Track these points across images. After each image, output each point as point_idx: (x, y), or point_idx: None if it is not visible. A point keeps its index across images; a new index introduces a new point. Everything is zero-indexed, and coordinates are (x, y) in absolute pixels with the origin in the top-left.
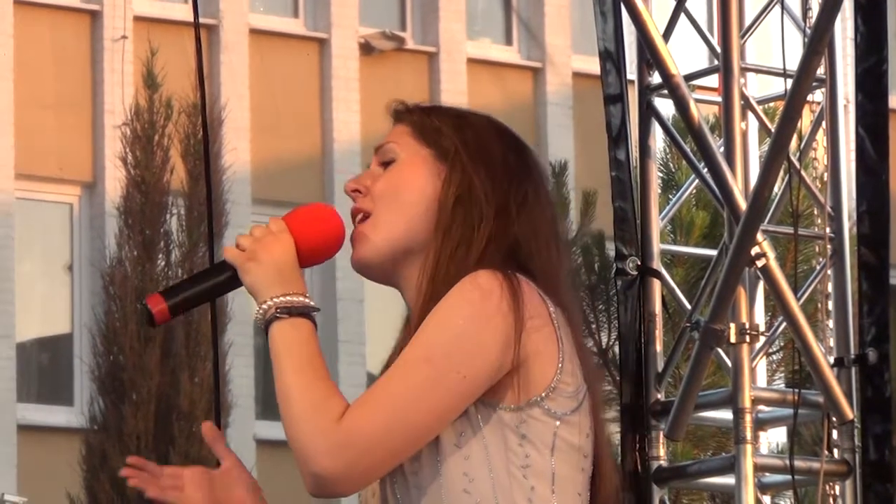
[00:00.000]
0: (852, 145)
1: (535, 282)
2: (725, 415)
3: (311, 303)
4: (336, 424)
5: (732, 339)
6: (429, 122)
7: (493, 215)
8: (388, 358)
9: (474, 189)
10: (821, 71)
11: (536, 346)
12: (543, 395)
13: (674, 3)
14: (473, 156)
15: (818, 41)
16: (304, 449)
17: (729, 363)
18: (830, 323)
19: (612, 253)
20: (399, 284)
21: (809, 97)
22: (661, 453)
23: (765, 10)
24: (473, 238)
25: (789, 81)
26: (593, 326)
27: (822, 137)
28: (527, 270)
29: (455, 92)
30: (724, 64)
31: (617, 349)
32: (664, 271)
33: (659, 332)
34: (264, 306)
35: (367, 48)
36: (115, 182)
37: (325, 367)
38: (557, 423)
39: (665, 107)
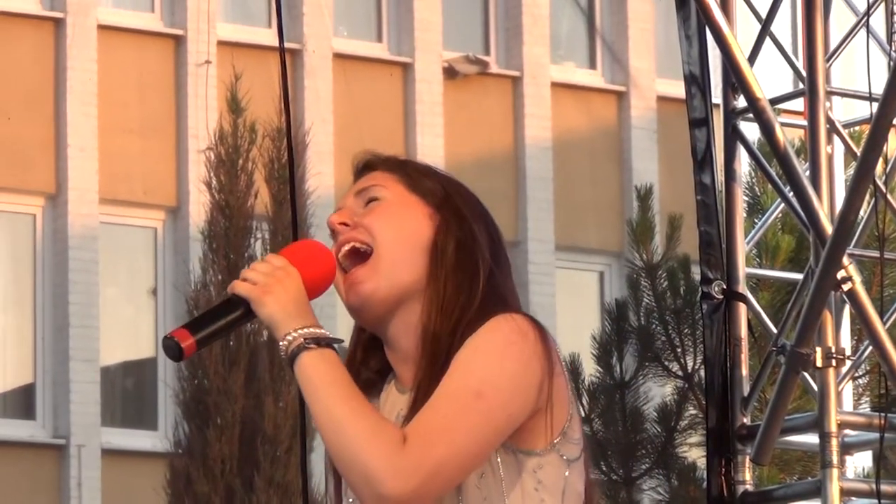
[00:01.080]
0: None
1: None
2: (811, 439)
3: (330, 334)
4: (402, 448)
5: (818, 364)
6: (416, 175)
7: (484, 260)
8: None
9: (471, 231)
10: None
11: (556, 392)
12: (557, 440)
13: (759, 27)
14: (460, 200)
15: None
16: (370, 472)
17: (815, 387)
18: None
19: (697, 277)
20: (385, 327)
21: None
22: (747, 477)
23: (850, 34)
24: (477, 277)
25: (875, 105)
26: (678, 350)
27: None
28: (509, 306)
29: (539, 116)
30: (809, 87)
31: (702, 373)
32: (750, 295)
33: (745, 357)
34: (289, 337)
35: (450, 72)
36: (199, 206)
37: (362, 394)
38: (567, 468)
39: (750, 130)
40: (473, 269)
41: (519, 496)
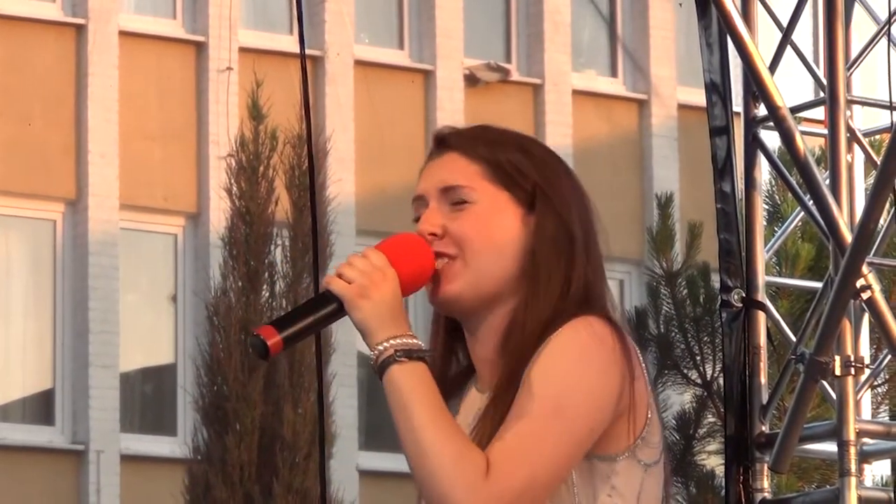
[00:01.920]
0: None
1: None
2: (830, 447)
3: (422, 345)
4: (485, 480)
5: (837, 372)
6: (503, 161)
7: (576, 258)
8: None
9: (566, 232)
10: None
11: (636, 397)
12: (635, 445)
13: (780, 35)
14: (556, 198)
15: None
16: (453, 499)
17: (834, 395)
18: None
19: (717, 285)
20: (474, 323)
21: None
22: (766, 485)
23: (871, 42)
24: (570, 282)
25: (895, 114)
26: (698, 358)
27: None
28: (595, 309)
29: (560, 124)
30: (830, 96)
31: (721, 381)
32: (769, 303)
33: (764, 365)
34: (380, 347)
35: (472, 80)
36: (219, 213)
37: (451, 414)
38: (644, 472)
39: (771, 139)
40: (569, 273)
41: (591, 503)
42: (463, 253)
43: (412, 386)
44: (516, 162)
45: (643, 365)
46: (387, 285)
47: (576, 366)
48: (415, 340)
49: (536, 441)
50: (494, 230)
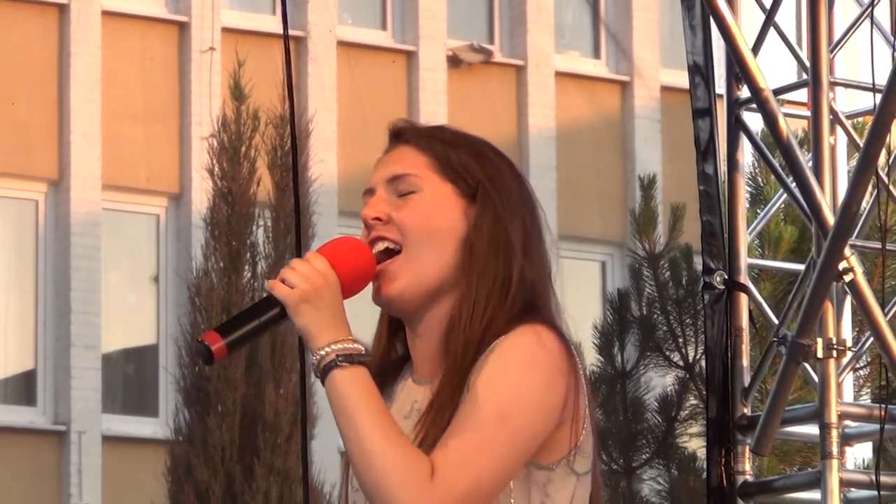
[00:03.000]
0: None
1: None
2: (812, 430)
3: (363, 348)
4: (429, 484)
5: (819, 354)
6: (449, 155)
7: (521, 256)
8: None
9: (506, 232)
10: None
11: (575, 406)
12: (571, 454)
13: (763, 17)
14: (499, 195)
15: None
16: (398, 503)
17: (816, 378)
18: None
19: (699, 267)
20: (416, 320)
21: None
22: (747, 468)
23: (854, 25)
24: (509, 280)
25: (878, 96)
26: (680, 340)
27: None
28: (539, 309)
29: (543, 105)
30: (812, 78)
31: (703, 363)
32: (751, 286)
33: (746, 347)
34: (321, 352)
35: (454, 61)
36: (201, 193)
37: (392, 417)
38: (576, 481)
39: (754, 121)
40: (506, 273)
41: None
42: (405, 241)
43: (354, 391)
44: (465, 161)
45: (583, 375)
46: (328, 290)
47: (522, 374)
48: (356, 345)
49: (481, 449)
50: (436, 220)
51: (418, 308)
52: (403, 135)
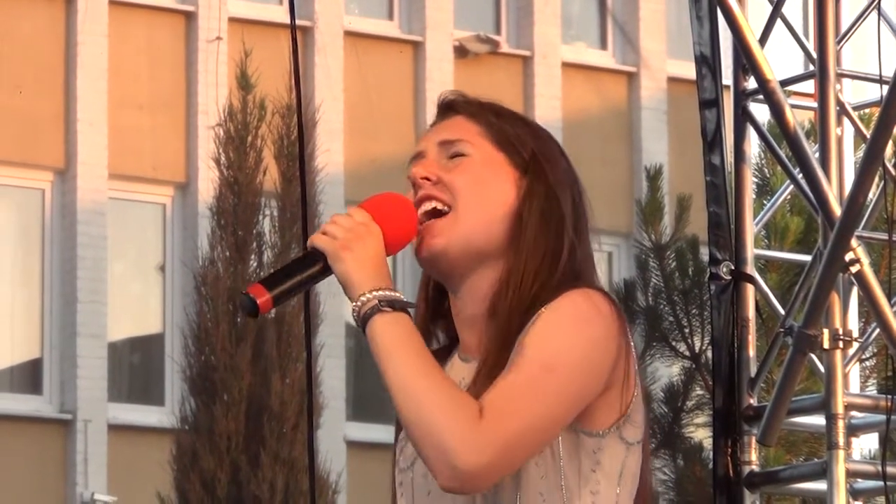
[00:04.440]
0: None
1: None
2: (818, 420)
3: (406, 299)
4: (479, 422)
5: (826, 345)
6: (503, 126)
7: (567, 228)
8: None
9: (557, 204)
10: None
11: (624, 373)
12: (621, 421)
13: (770, 8)
14: (551, 168)
15: None
16: (445, 445)
17: (822, 369)
18: None
19: (705, 257)
20: (458, 283)
21: None
22: (753, 458)
23: (861, 16)
24: (559, 254)
25: (885, 87)
26: (686, 331)
27: None
28: (584, 281)
29: (549, 96)
30: (819, 69)
31: (710, 354)
32: (758, 276)
33: (752, 337)
34: (363, 298)
35: (461, 51)
36: (208, 183)
37: (437, 362)
38: (626, 450)
39: (760, 112)
40: (557, 245)
41: (576, 476)
42: (455, 203)
43: (397, 335)
44: (517, 131)
45: (632, 344)
46: (370, 239)
47: (572, 330)
48: (398, 294)
49: (529, 393)
50: (488, 186)
51: (462, 269)
52: (454, 106)
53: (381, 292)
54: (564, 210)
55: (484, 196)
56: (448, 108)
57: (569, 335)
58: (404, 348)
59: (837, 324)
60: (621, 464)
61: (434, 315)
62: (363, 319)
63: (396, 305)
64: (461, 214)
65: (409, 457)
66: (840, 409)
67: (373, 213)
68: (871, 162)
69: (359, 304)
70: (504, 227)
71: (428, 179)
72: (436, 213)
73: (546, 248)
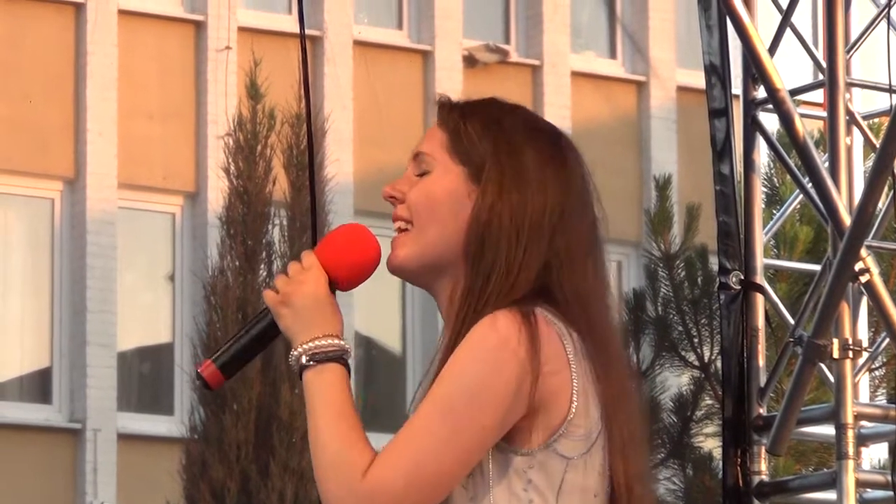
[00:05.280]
0: None
1: (560, 307)
2: (828, 430)
3: (341, 342)
4: (361, 479)
5: (835, 355)
6: (462, 133)
7: (526, 241)
8: (430, 368)
9: (504, 215)
10: None
11: (550, 391)
12: (553, 439)
13: (779, 18)
14: (505, 176)
15: None
16: (331, 499)
17: (832, 378)
18: None
19: (715, 267)
20: (431, 291)
21: None
22: (763, 468)
23: (871, 25)
24: (509, 267)
25: (894, 97)
26: (695, 341)
27: None
28: (552, 293)
29: (559, 105)
30: (829, 79)
31: (719, 363)
32: (767, 286)
33: (762, 347)
34: (295, 353)
35: (470, 61)
36: (217, 192)
37: (354, 414)
38: (566, 466)
39: (770, 121)
40: (507, 259)
41: (506, 495)
42: (413, 218)
43: (316, 390)
44: (474, 137)
45: (570, 353)
46: (307, 287)
47: (470, 365)
48: (329, 341)
49: (421, 442)
50: (441, 203)
51: (424, 280)
52: (442, 109)
53: (310, 344)
54: (510, 221)
55: (437, 213)
56: (439, 110)
57: (468, 371)
58: (318, 402)
59: (847, 333)
60: (559, 479)
61: None
62: (298, 373)
63: (322, 357)
64: (417, 231)
65: None
66: (850, 419)
67: (323, 254)
68: (880, 171)
69: (292, 359)
70: (458, 240)
71: (394, 197)
72: (402, 231)
73: (494, 261)
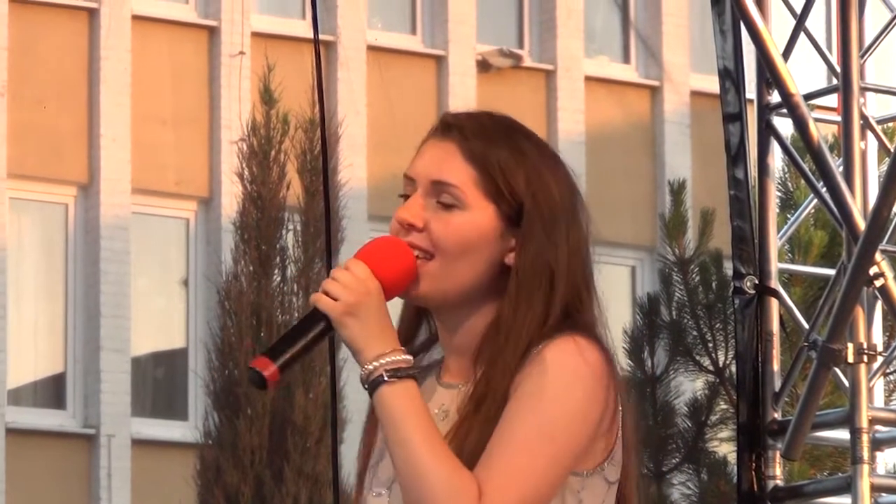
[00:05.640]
0: None
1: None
2: (842, 434)
3: (411, 359)
4: (478, 502)
5: (850, 359)
6: (492, 170)
7: (565, 278)
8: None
9: (546, 257)
10: None
11: (612, 418)
12: (604, 463)
13: (793, 22)
14: (543, 216)
15: None
16: None
17: (846, 383)
18: None
19: (729, 272)
20: (448, 321)
21: None
22: (778, 473)
23: (885, 30)
24: (550, 304)
25: None
26: (710, 345)
27: None
28: (576, 321)
29: (573, 110)
30: (843, 83)
31: (734, 368)
32: (782, 290)
33: (776, 352)
34: (369, 367)
35: (484, 65)
36: (231, 197)
37: (440, 432)
38: (607, 489)
39: (784, 126)
40: (548, 297)
41: None
42: (437, 253)
43: (403, 406)
44: (505, 167)
45: (618, 381)
46: (371, 299)
47: (566, 391)
48: (403, 357)
49: (527, 468)
50: (473, 242)
51: (446, 311)
52: (452, 129)
53: (386, 359)
54: (557, 261)
55: (469, 254)
56: (446, 129)
57: (564, 397)
58: (410, 421)
59: (862, 338)
60: (601, 501)
61: (417, 322)
62: (370, 387)
63: (402, 373)
64: (443, 265)
65: (388, 476)
66: (864, 424)
67: (371, 263)
68: (894, 176)
69: (365, 372)
70: (488, 276)
71: (413, 226)
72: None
73: (538, 301)
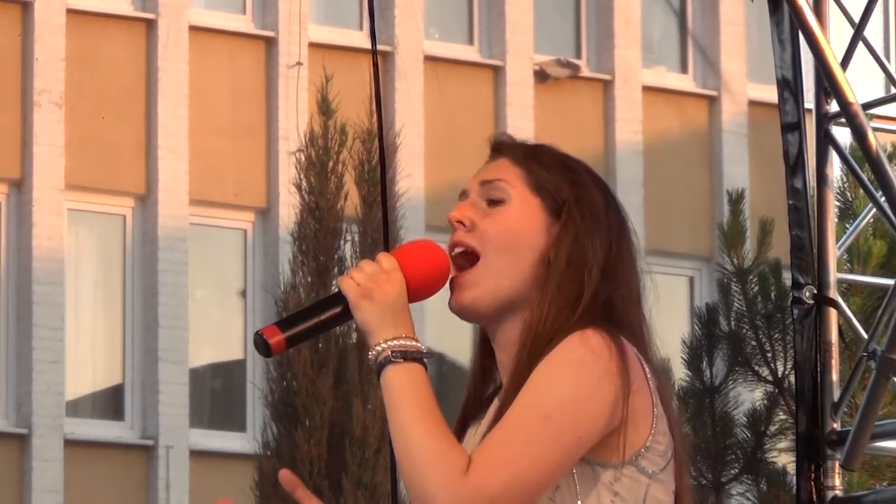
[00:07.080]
0: None
1: (626, 336)
2: None
3: (422, 347)
4: (463, 478)
5: None
6: (537, 167)
7: (599, 276)
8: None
9: (585, 252)
10: None
11: (636, 407)
12: (639, 453)
13: (852, 31)
14: (584, 215)
15: None
16: (427, 496)
17: None
18: None
19: (788, 282)
20: (493, 330)
21: None
22: (837, 483)
23: None
24: (580, 300)
25: None
26: (769, 355)
27: None
28: (619, 328)
29: (630, 120)
30: None
31: (793, 378)
32: (841, 300)
33: (835, 362)
34: (378, 348)
35: (542, 76)
36: (289, 208)
37: (441, 414)
38: (649, 480)
39: (842, 135)
40: (578, 291)
41: None
42: (484, 250)
43: (404, 386)
44: (555, 180)
45: (648, 374)
46: (391, 287)
47: (568, 376)
48: (413, 342)
49: (520, 447)
50: (518, 233)
51: (493, 319)
52: (502, 148)
53: (395, 342)
54: (591, 257)
55: (513, 244)
56: (496, 150)
57: (564, 382)
58: (408, 399)
59: None
60: (644, 493)
61: (488, 365)
62: (377, 368)
63: (409, 356)
64: (489, 264)
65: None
66: None
67: (401, 260)
68: None
69: (374, 353)
70: (532, 273)
71: (462, 224)
72: (465, 257)
73: (569, 294)
